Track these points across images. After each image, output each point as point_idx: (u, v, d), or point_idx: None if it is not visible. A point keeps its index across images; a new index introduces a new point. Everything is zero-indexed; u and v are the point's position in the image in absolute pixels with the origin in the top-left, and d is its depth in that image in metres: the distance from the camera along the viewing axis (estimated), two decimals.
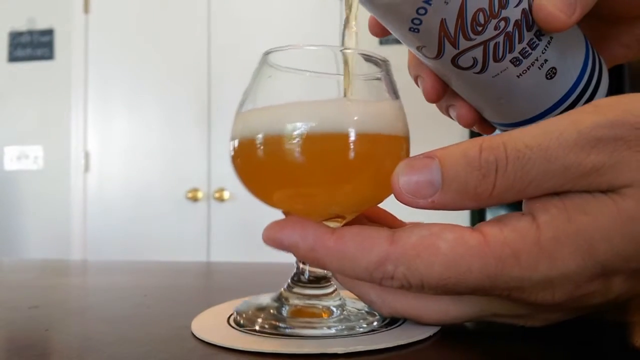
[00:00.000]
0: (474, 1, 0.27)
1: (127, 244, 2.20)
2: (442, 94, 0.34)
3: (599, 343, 0.29)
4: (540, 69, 0.29)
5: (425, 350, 0.27)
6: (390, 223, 0.34)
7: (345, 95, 0.31)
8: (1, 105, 2.34)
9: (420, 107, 0.49)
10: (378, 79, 0.32)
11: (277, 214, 0.33)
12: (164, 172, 2.20)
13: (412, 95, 0.40)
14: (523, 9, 0.28)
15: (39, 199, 2.31)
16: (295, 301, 0.31)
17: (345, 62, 0.30)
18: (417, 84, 0.35)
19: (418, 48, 0.31)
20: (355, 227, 0.26)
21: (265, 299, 0.33)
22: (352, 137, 0.28)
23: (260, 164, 0.30)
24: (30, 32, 2.33)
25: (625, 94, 0.23)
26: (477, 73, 0.30)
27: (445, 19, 0.27)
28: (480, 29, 0.27)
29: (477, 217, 1.81)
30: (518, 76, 0.29)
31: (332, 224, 0.33)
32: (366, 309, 0.32)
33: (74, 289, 0.53)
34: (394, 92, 0.32)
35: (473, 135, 1.85)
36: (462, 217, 1.85)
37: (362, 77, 0.32)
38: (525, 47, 0.28)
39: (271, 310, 0.31)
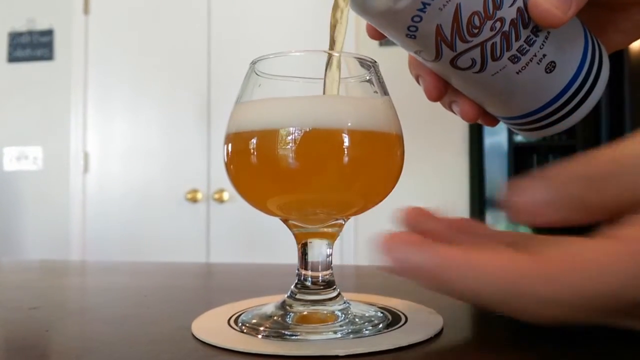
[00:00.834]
0: (468, 5, 0.27)
1: (126, 244, 2.20)
2: (443, 93, 0.34)
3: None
4: (539, 64, 0.30)
5: (425, 352, 0.27)
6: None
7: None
8: (1, 105, 2.34)
9: (421, 105, 0.49)
10: (368, 80, 0.32)
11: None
12: (164, 172, 2.20)
13: (414, 93, 0.40)
14: (518, 8, 0.28)
15: (39, 200, 2.31)
16: (299, 308, 0.31)
17: (332, 65, 0.31)
18: (418, 83, 0.35)
19: (416, 52, 0.31)
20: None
21: (269, 307, 0.33)
22: (344, 132, 0.29)
23: (253, 165, 0.30)
24: (30, 33, 2.33)
25: None
26: (476, 72, 0.30)
27: (440, 24, 0.27)
28: (476, 31, 0.28)
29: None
30: (517, 72, 0.30)
31: (331, 230, 0.33)
32: (371, 311, 0.32)
33: (74, 290, 0.53)
34: (384, 92, 0.33)
35: (473, 129, 1.84)
36: None
37: (352, 79, 0.32)
38: (523, 45, 0.29)
39: (276, 318, 0.31)
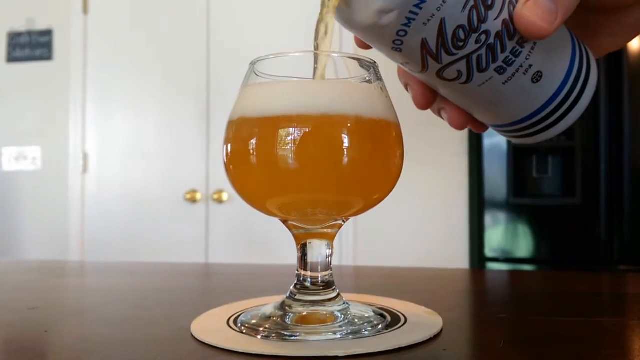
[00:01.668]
0: (452, 19, 0.27)
1: (125, 245, 2.19)
2: (431, 101, 0.34)
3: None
4: (525, 74, 0.30)
5: (424, 353, 0.27)
6: None
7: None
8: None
9: None
10: (368, 80, 0.32)
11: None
12: (163, 173, 2.20)
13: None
14: (504, 20, 0.28)
15: (37, 200, 2.30)
16: (299, 309, 0.31)
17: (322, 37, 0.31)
18: (407, 91, 0.36)
19: (403, 64, 0.31)
20: None
21: (269, 308, 0.33)
22: (340, 117, 0.29)
23: (251, 162, 0.31)
24: (29, 33, 2.33)
25: None
26: (463, 83, 0.30)
27: (425, 38, 0.28)
28: (461, 44, 0.28)
29: (477, 222, 1.81)
30: (504, 83, 0.30)
31: (330, 231, 0.33)
32: (370, 312, 0.32)
33: (72, 291, 0.53)
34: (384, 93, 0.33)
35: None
36: (460, 225, 1.85)
37: (352, 80, 0.32)
38: (509, 56, 0.29)
39: (275, 319, 0.31)
